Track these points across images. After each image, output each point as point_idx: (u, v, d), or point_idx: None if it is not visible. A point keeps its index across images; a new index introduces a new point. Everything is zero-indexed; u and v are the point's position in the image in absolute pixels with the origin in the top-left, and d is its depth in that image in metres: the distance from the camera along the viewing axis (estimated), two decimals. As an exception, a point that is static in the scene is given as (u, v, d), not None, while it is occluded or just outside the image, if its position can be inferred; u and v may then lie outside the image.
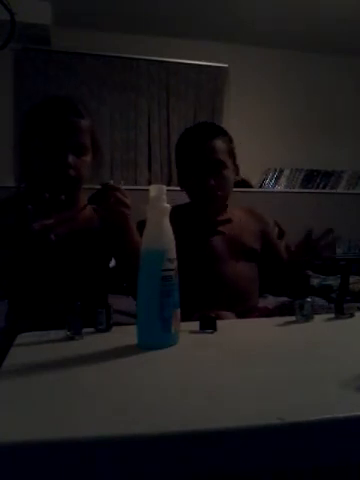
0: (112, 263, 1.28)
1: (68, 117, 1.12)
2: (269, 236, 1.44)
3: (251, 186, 3.65)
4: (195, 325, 0.89)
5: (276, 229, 1.54)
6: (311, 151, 3.79)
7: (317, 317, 0.97)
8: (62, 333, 0.84)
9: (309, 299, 0.97)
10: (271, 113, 3.87)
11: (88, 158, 1.17)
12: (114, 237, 1.13)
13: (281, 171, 3.83)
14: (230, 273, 1.30)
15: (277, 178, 3.83)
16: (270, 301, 1.49)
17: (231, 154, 1.36)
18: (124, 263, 1.19)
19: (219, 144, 1.33)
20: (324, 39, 3.69)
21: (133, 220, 1.16)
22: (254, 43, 3.75)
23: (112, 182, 1.03)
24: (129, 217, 1.06)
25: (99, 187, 1.02)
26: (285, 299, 1.37)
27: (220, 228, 1.37)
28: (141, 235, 0.82)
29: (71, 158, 1.11)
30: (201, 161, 1.32)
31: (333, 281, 2.73)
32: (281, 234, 1.53)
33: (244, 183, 3.42)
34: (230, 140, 1.38)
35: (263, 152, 3.64)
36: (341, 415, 0.49)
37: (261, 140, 3.72)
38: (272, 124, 3.85)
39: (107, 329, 0.89)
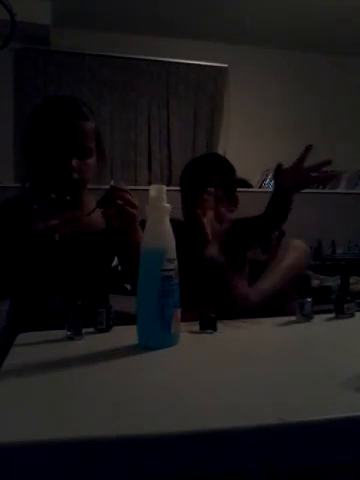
0: (113, 263, 1.28)
1: (73, 120, 1.12)
2: (246, 224, 1.43)
3: (251, 186, 3.65)
4: (195, 325, 0.89)
5: None
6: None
7: (317, 317, 0.97)
8: (62, 333, 0.84)
9: (309, 299, 0.97)
10: (271, 113, 3.87)
11: (92, 160, 1.16)
12: (119, 238, 1.13)
13: (281, 171, 3.83)
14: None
15: (277, 178, 3.83)
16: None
17: (226, 189, 1.36)
18: (128, 263, 1.19)
19: (210, 178, 1.34)
20: (324, 39, 3.69)
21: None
22: (254, 43, 3.75)
23: (112, 183, 1.03)
24: (137, 218, 1.06)
25: (107, 188, 1.02)
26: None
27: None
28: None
29: (75, 162, 1.11)
30: (189, 192, 1.36)
31: (332, 282, 2.72)
32: (281, 234, 1.52)
33: (244, 183, 3.42)
34: (226, 175, 1.39)
35: (263, 152, 3.64)
36: (341, 415, 0.49)
37: (261, 140, 3.73)
38: (272, 124, 3.85)
39: (107, 329, 0.89)
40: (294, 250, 1.33)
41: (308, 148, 1.17)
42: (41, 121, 1.15)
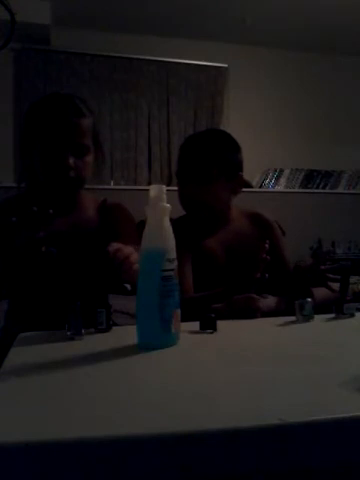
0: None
1: (69, 117, 1.11)
2: (274, 241, 1.39)
3: (251, 186, 3.65)
4: (195, 325, 0.89)
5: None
6: (311, 151, 3.79)
7: (317, 317, 0.97)
8: (62, 333, 0.84)
9: (309, 299, 0.97)
10: (271, 113, 3.87)
11: (90, 158, 1.15)
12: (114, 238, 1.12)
13: (281, 171, 3.83)
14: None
15: (277, 178, 3.84)
16: (270, 301, 1.48)
17: (227, 168, 1.30)
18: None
19: (207, 156, 1.27)
20: (324, 39, 3.69)
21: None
22: (254, 43, 3.75)
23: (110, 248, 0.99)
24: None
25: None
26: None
27: (216, 233, 1.33)
28: (141, 235, 0.82)
29: (72, 160, 1.10)
30: (182, 169, 1.31)
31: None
32: (281, 233, 1.51)
33: (244, 183, 3.43)
34: (229, 154, 1.31)
35: (263, 152, 3.64)
36: (341, 415, 0.49)
37: (261, 140, 3.73)
38: (272, 124, 3.85)
39: (107, 329, 0.89)
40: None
41: (327, 253, 1.19)
42: (37, 118, 1.14)
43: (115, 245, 0.93)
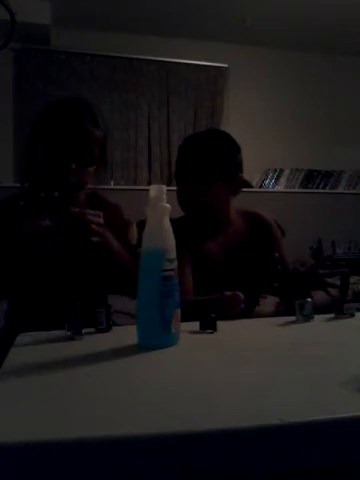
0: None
1: (83, 123, 1.11)
2: (273, 242, 1.38)
3: (251, 186, 3.65)
4: (195, 325, 0.89)
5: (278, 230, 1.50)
6: (311, 151, 3.79)
7: (317, 317, 0.97)
8: (62, 333, 0.84)
9: (309, 299, 0.97)
10: (271, 113, 3.87)
11: (92, 169, 1.15)
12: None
13: (281, 171, 3.83)
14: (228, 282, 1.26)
15: (277, 178, 3.84)
16: (270, 301, 1.48)
17: (226, 169, 1.28)
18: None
19: (206, 157, 1.25)
20: (324, 39, 3.69)
21: (133, 220, 1.15)
22: (254, 43, 3.75)
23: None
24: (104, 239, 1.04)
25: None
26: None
27: (215, 235, 1.32)
28: (141, 235, 0.82)
29: (74, 166, 1.10)
30: (181, 170, 1.30)
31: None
32: (281, 234, 1.51)
33: (244, 183, 3.43)
34: (228, 155, 1.29)
35: (263, 152, 3.64)
36: (341, 415, 0.49)
37: (261, 140, 3.73)
38: (272, 124, 3.85)
39: (107, 329, 0.89)
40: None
41: (327, 257, 1.18)
42: (52, 117, 1.13)
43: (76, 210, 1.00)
